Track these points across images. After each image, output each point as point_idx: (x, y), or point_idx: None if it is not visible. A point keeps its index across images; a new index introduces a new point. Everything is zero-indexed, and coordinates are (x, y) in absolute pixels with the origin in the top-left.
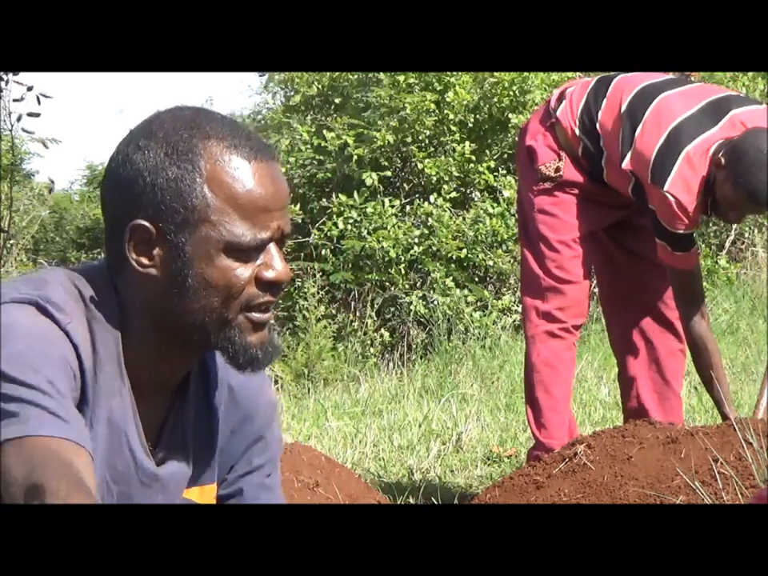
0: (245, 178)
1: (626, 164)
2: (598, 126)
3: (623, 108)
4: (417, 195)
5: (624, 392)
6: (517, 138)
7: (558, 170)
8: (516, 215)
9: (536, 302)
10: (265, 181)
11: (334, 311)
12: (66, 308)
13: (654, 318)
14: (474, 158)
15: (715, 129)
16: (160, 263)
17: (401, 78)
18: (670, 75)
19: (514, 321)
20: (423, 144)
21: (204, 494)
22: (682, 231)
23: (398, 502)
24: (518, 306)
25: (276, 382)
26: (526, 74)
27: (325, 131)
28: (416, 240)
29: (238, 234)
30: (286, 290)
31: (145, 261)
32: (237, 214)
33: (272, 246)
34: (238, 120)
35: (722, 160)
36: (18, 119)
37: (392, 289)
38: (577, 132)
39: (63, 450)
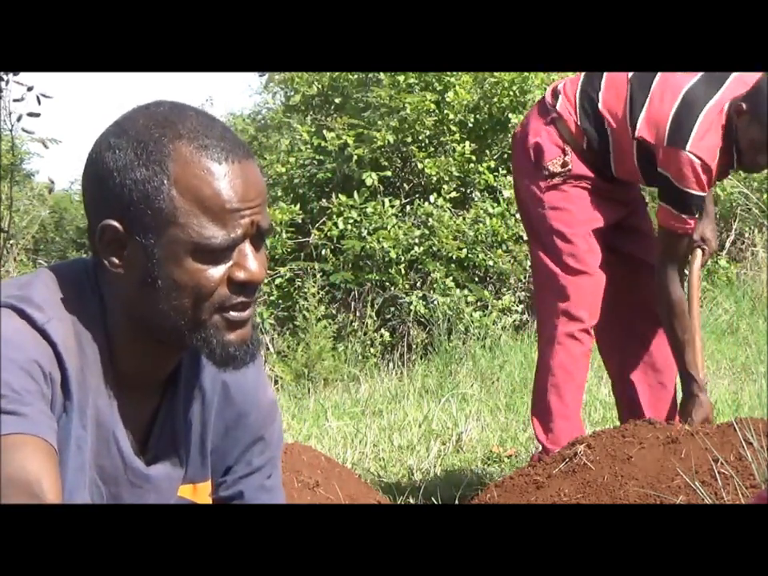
0: (214, 180)
1: (639, 129)
2: (600, 105)
3: (629, 77)
4: (417, 195)
5: (619, 394)
6: (513, 140)
7: (565, 164)
8: (520, 217)
9: (555, 301)
10: (235, 182)
11: (334, 311)
12: (47, 307)
13: (648, 319)
14: (473, 157)
15: (723, 89)
16: (130, 264)
17: (401, 78)
18: None
19: (514, 321)
20: (423, 144)
21: (198, 492)
22: (696, 192)
23: (398, 502)
24: (518, 306)
25: (276, 382)
26: (525, 73)
27: (325, 131)
28: (416, 240)
29: (207, 236)
30: (287, 290)
31: (115, 260)
32: (205, 217)
33: (246, 245)
34: (236, 119)
35: (744, 106)
36: (18, 119)
37: (392, 289)
38: (579, 122)
39: (8, 446)
